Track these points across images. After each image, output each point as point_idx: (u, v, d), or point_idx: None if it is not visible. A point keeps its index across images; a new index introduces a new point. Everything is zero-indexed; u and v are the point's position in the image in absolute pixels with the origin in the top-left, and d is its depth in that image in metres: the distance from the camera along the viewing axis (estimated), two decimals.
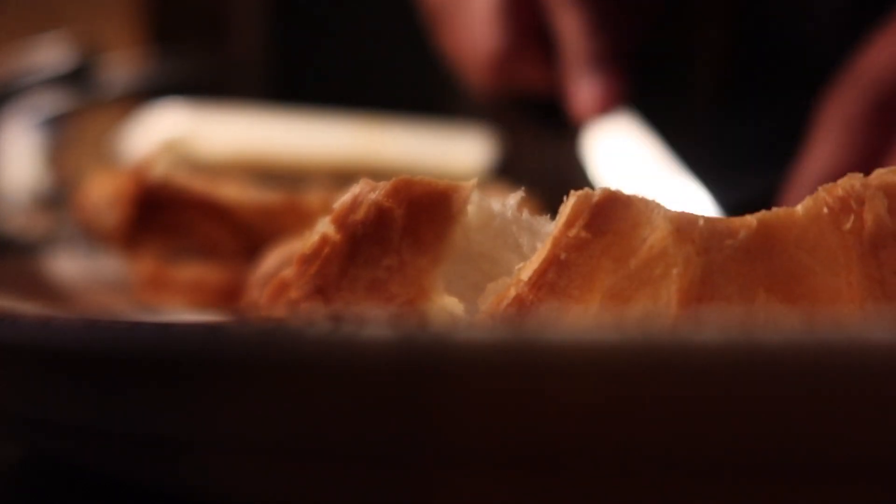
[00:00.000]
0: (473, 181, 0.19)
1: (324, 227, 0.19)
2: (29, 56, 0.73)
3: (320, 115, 0.74)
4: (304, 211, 0.31)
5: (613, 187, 0.17)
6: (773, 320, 0.13)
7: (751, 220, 0.16)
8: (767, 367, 0.13)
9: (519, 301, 0.17)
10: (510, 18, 0.48)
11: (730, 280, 0.16)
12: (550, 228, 0.18)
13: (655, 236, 0.16)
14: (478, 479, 0.15)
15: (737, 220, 0.16)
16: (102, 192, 0.37)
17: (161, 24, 2.22)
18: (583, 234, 0.16)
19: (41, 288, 0.37)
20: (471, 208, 0.19)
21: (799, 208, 0.17)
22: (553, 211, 0.18)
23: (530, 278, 0.17)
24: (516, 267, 0.18)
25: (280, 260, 0.24)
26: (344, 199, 0.19)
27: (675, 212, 0.16)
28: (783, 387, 0.13)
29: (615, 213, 0.16)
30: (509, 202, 0.19)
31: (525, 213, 0.19)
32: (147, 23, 2.16)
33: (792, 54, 0.54)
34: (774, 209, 0.17)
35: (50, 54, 0.72)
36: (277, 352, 0.14)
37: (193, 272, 0.33)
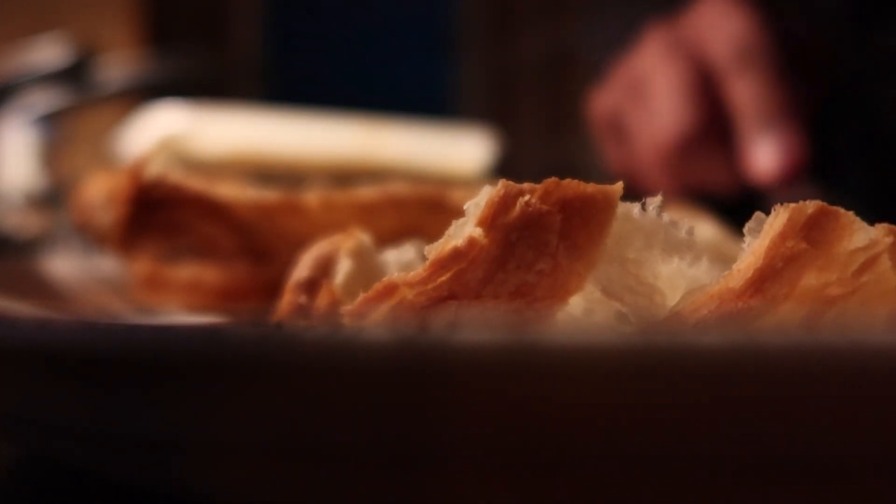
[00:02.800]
0: (619, 184, 0.19)
1: (464, 230, 0.18)
2: (26, 55, 0.72)
3: (319, 115, 0.74)
4: (302, 210, 0.30)
5: (822, 202, 0.18)
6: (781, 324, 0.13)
7: None
8: (766, 369, 0.13)
9: (730, 305, 0.17)
10: (696, 96, 0.48)
11: None
12: (688, 232, 0.19)
13: (867, 246, 0.17)
14: (477, 482, 0.15)
15: None
16: (98, 192, 0.37)
17: (159, 24, 2.22)
18: (801, 245, 0.17)
19: (37, 288, 0.37)
20: (618, 211, 0.19)
21: None
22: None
23: (743, 287, 0.17)
24: (723, 274, 0.18)
25: (316, 262, 0.23)
26: (489, 199, 0.18)
27: (887, 225, 0.17)
28: (782, 389, 0.13)
29: (827, 224, 0.17)
30: (652, 205, 0.19)
31: (666, 216, 0.19)
32: (145, 23, 2.16)
33: None
34: None
35: (47, 53, 0.72)
36: (276, 355, 0.14)
37: (190, 272, 0.33)
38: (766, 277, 0.17)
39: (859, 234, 0.17)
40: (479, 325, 0.18)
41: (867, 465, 0.14)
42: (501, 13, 2.81)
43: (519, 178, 0.19)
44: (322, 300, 0.21)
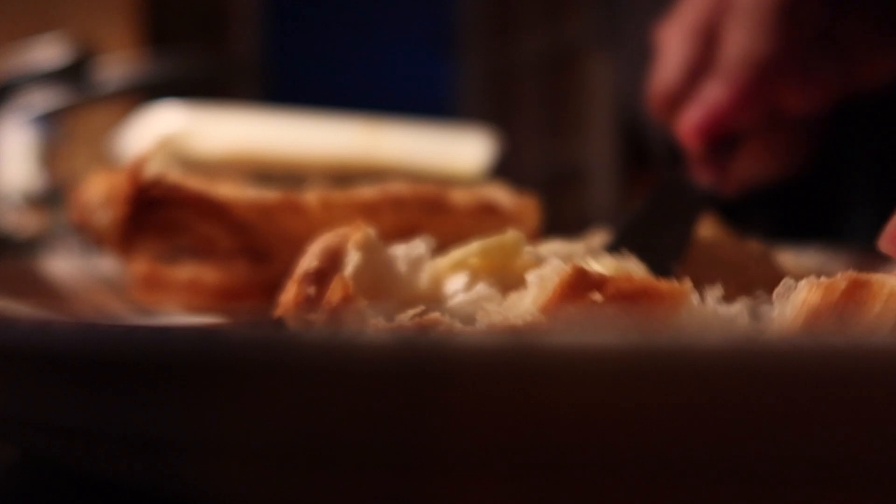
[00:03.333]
0: (688, 284, 0.19)
1: (524, 303, 0.18)
2: (25, 55, 0.72)
3: (319, 115, 0.74)
4: (301, 210, 0.30)
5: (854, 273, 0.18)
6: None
7: None
8: (766, 371, 0.13)
9: None
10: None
11: None
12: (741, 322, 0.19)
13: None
14: (476, 484, 0.15)
15: None
16: (97, 191, 0.37)
17: (158, 24, 2.22)
18: (833, 321, 0.17)
19: (36, 287, 0.37)
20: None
21: None
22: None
23: None
24: None
25: (325, 254, 0.23)
26: (557, 288, 0.18)
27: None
28: (782, 390, 0.13)
29: (859, 297, 0.17)
30: (711, 295, 0.19)
31: (724, 309, 0.19)
32: (144, 23, 2.16)
33: None
34: None
35: (46, 53, 0.72)
36: (276, 356, 0.14)
37: (189, 272, 0.33)
38: None
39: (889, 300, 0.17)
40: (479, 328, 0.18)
41: (867, 467, 0.14)
42: (501, 13, 2.81)
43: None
44: (334, 292, 0.21)
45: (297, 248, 0.29)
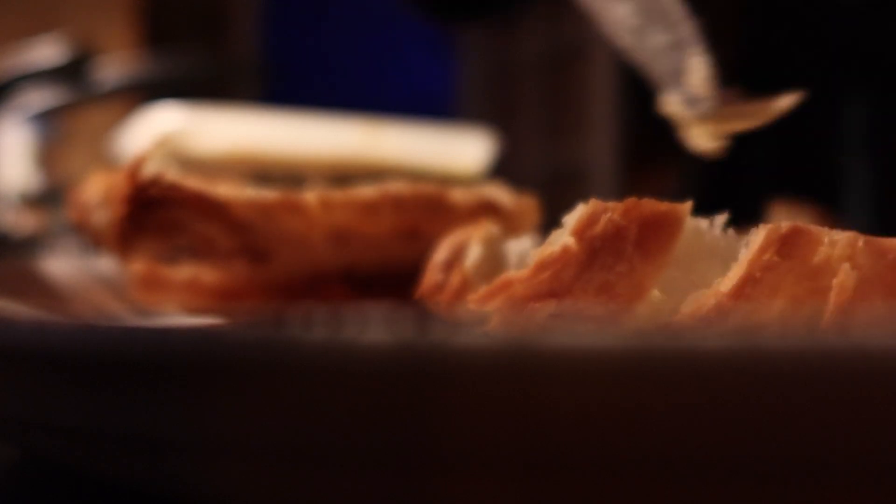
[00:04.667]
0: (689, 203, 0.22)
1: (561, 238, 0.23)
2: (24, 55, 0.72)
3: (319, 115, 0.74)
4: (301, 209, 0.30)
5: (795, 222, 0.21)
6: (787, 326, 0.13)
7: None
8: (766, 371, 0.13)
9: (718, 307, 0.21)
10: None
11: (875, 291, 0.20)
12: (743, 247, 0.22)
13: (827, 255, 0.20)
14: (476, 485, 0.15)
15: (887, 242, 0.21)
16: (95, 191, 0.37)
17: (158, 24, 2.22)
18: (774, 258, 0.20)
19: (35, 287, 0.37)
20: (686, 224, 0.23)
21: None
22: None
23: (729, 290, 0.21)
24: (715, 280, 0.22)
25: (452, 247, 0.28)
26: (580, 216, 0.23)
27: (844, 233, 0.21)
28: (782, 390, 0.13)
29: (798, 240, 0.21)
30: (717, 221, 0.23)
31: (729, 232, 0.23)
32: (144, 23, 2.16)
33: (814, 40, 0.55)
34: None
35: (45, 52, 0.71)
36: (277, 356, 0.14)
37: (188, 272, 0.33)
38: (747, 284, 0.21)
39: (828, 243, 0.20)
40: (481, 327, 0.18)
41: (867, 467, 0.14)
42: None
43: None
44: (454, 279, 0.26)
45: (296, 247, 0.29)
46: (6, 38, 1.17)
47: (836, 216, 0.38)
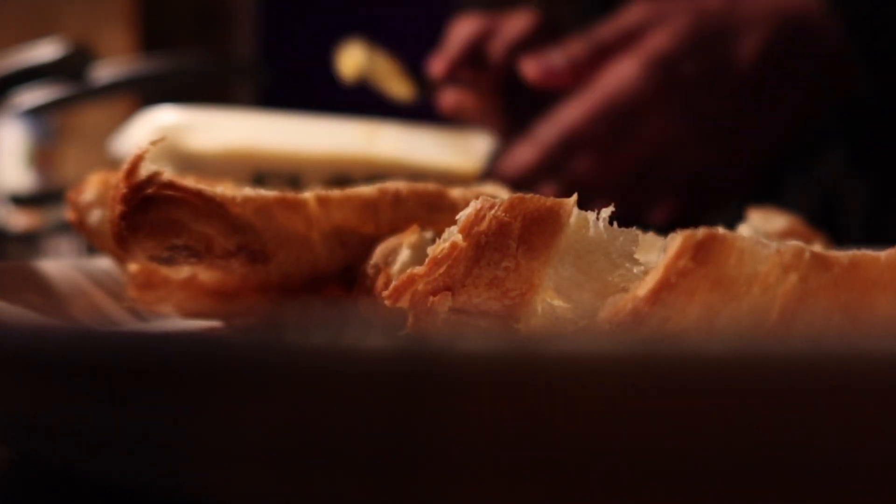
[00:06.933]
0: (574, 198, 0.23)
1: (452, 236, 0.23)
2: (22, 57, 0.72)
3: (318, 115, 0.74)
4: (299, 207, 0.30)
5: (712, 228, 0.21)
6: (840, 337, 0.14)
7: (844, 257, 0.21)
8: (765, 376, 0.13)
9: (635, 312, 0.21)
10: None
11: (818, 303, 0.20)
12: (633, 242, 0.23)
13: (758, 264, 0.21)
14: (475, 487, 0.15)
15: (832, 256, 0.21)
16: (93, 191, 0.36)
17: (158, 24, 2.22)
18: (689, 264, 0.21)
19: (32, 288, 0.37)
20: (572, 220, 0.23)
21: (881, 255, 0.21)
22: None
23: (645, 295, 0.21)
24: (600, 274, 0.23)
25: (382, 252, 0.29)
26: (468, 213, 0.23)
27: (785, 245, 0.21)
28: (778, 396, 0.13)
29: (714, 246, 0.21)
30: (602, 215, 0.23)
31: (615, 225, 0.23)
32: (144, 24, 2.16)
33: None
34: (862, 252, 0.21)
35: (43, 53, 0.71)
36: (278, 363, 0.14)
37: (186, 271, 0.33)
38: (663, 289, 0.21)
39: (747, 256, 0.21)
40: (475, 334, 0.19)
41: (867, 467, 0.14)
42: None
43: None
44: (380, 282, 0.27)
45: (295, 247, 0.29)
46: (5, 44, 1.17)
47: (820, 227, 0.38)
